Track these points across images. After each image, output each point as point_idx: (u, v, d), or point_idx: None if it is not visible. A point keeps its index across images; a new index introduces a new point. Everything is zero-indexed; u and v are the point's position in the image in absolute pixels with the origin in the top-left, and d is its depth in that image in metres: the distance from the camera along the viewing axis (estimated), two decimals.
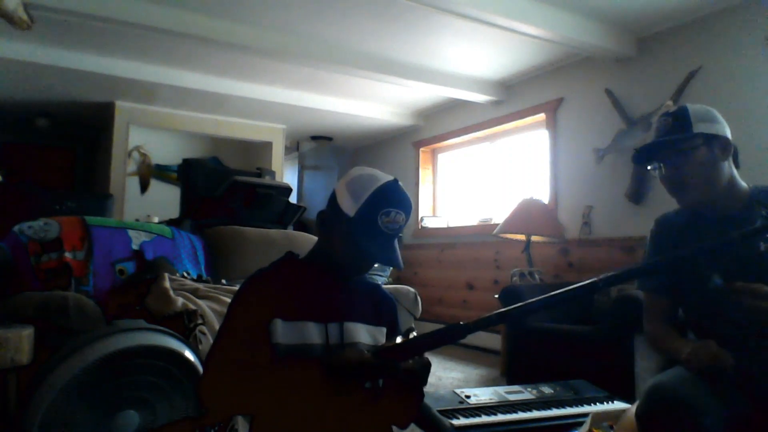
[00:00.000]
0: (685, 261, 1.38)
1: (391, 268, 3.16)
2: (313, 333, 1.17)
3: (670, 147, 1.45)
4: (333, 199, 1.24)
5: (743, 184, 1.48)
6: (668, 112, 1.51)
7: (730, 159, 1.47)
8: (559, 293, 1.10)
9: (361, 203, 1.18)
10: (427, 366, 1.13)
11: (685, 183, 1.45)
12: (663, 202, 1.60)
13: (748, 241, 1.22)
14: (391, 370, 1.09)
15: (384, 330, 1.29)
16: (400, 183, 1.23)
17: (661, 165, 1.48)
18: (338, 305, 1.22)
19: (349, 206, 1.19)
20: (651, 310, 1.57)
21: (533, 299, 1.11)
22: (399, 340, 1.10)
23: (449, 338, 1.07)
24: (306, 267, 1.27)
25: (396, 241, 1.23)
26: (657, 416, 1.24)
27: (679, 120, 1.46)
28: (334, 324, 1.19)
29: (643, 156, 1.53)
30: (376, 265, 1.44)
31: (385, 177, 1.23)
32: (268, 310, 1.14)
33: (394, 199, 1.20)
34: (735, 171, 1.48)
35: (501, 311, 1.11)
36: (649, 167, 1.52)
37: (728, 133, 1.46)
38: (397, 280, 5.44)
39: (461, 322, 1.07)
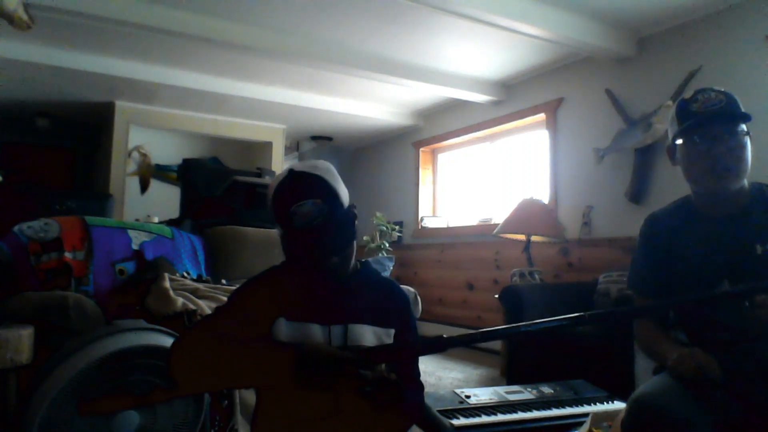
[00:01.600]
0: (669, 307, 1.38)
1: (392, 265, 3.15)
2: (315, 335, 1.15)
3: (732, 124, 1.35)
4: None
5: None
6: (711, 89, 1.39)
7: None
8: (546, 322, 1.11)
9: (275, 215, 1.17)
10: (396, 383, 1.06)
11: (732, 167, 1.35)
12: (663, 202, 1.59)
13: (737, 298, 1.19)
14: (363, 367, 1.05)
15: (392, 332, 1.25)
16: (298, 170, 1.17)
17: (713, 139, 1.36)
18: (343, 306, 1.20)
19: (278, 224, 1.18)
20: None
21: (519, 324, 1.14)
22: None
23: (429, 350, 1.07)
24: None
25: (328, 231, 1.15)
26: (640, 429, 1.21)
27: (733, 102, 1.37)
28: (338, 326, 1.17)
29: (699, 124, 1.37)
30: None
31: (280, 177, 1.19)
32: (272, 306, 1.14)
33: (289, 193, 1.16)
34: None
35: (485, 330, 1.12)
36: (697, 138, 1.38)
37: None
38: (397, 280, 5.43)
39: (443, 336, 1.07)
